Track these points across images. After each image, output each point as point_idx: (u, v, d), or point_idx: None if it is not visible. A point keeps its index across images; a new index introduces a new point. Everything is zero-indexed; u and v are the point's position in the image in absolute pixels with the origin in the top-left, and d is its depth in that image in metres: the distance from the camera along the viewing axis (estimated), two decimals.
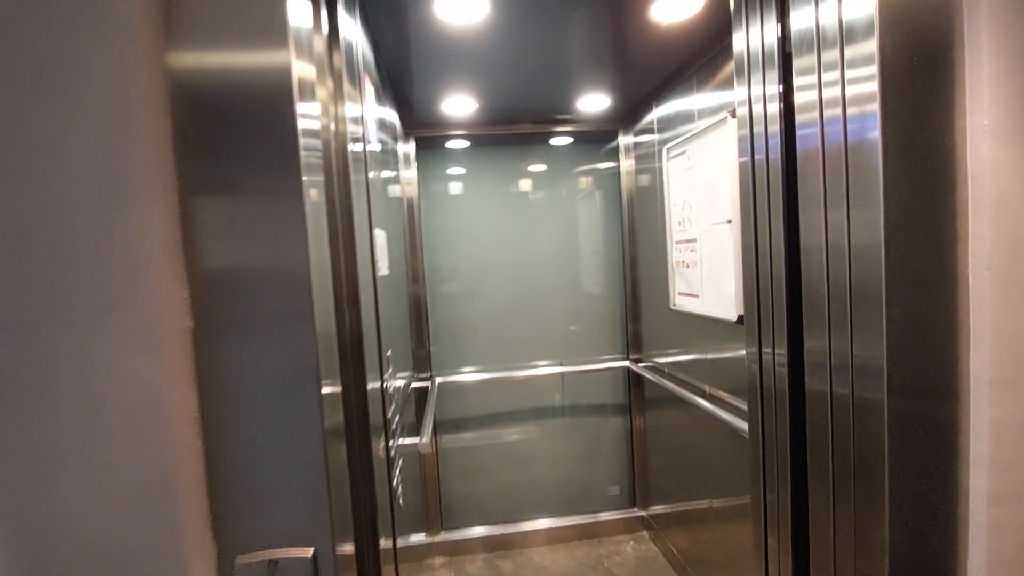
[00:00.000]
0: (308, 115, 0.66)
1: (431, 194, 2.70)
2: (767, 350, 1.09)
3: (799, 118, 0.93)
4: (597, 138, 2.75)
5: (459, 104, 2.31)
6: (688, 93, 1.99)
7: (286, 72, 0.62)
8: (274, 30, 0.61)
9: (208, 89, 0.60)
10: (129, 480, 0.57)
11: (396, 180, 2.17)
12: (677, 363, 2.26)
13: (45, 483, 0.56)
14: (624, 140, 2.69)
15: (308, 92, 0.67)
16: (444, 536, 2.67)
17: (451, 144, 2.69)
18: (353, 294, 0.93)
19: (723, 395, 1.85)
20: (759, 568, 1.17)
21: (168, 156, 0.59)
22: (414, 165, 2.61)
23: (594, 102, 2.41)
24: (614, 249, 2.78)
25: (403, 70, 1.89)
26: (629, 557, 2.52)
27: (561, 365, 2.76)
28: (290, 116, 0.62)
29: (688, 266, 2.00)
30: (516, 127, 2.62)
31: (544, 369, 2.75)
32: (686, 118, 2.01)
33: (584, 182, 2.79)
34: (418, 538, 2.55)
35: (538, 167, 2.76)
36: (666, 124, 2.21)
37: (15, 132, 0.55)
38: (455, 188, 2.74)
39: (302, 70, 0.65)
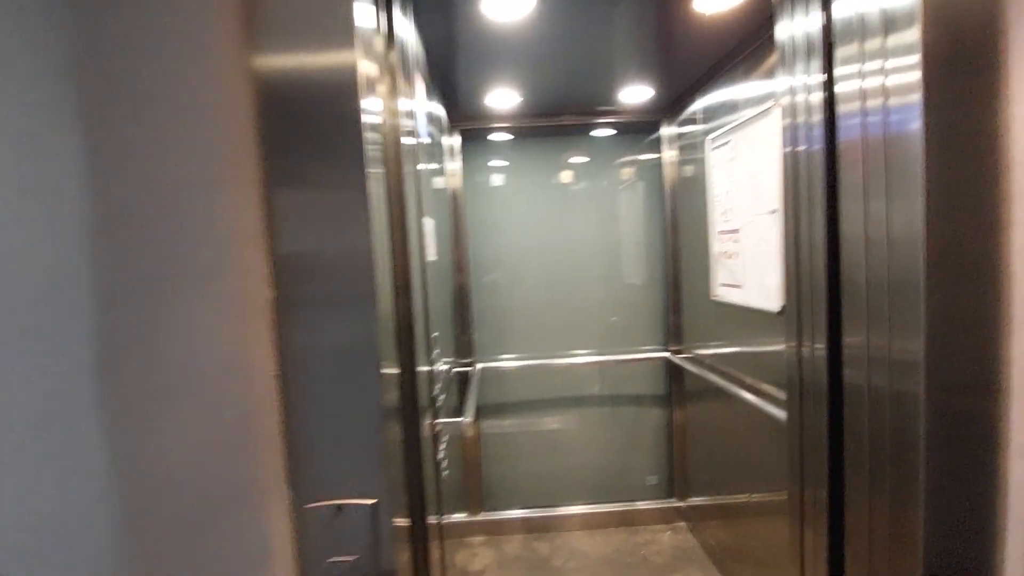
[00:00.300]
0: (370, 111, 0.73)
1: (475, 185, 2.77)
2: (806, 342, 1.10)
3: (841, 108, 0.93)
4: (639, 129, 2.75)
5: (503, 97, 2.37)
6: (732, 83, 1.98)
7: (352, 71, 0.68)
8: (342, 31, 0.68)
9: (285, 90, 0.68)
10: (220, 429, 0.66)
11: (442, 172, 2.25)
12: (718, 354, 2.25)
13: (152, 428, 0.66)
14: (666, 131, 2.68)
15: (370, 89, 0.74)
16: (483, 516, 2.77)
17: (494, 136, 2.75)
18: (405, 279, 1.01)
19: (765, 387, 1.85)
20: (796, 563, 1.18)
21: (253, 151, 0.67)
22: (459, 157, 2.68)
23: (637, 93, 2.41)
24: (655, 240, 2.78)
25: (450, 65, 1.96)
26: (666, 546, 2.55)
27: (600, 355, 2.79)
28: (355, 112, 0.68)
29: (731, 257, 2.00)
30: (558, 119, 2.66)
31: (583, 358, 2.79)
32: (730, 108, 2.00)
33: (625, 173, 2.80)
34: (459, 516, 2.66)
35: (580, 158, 2.79)
36: (709, 114, 2.20)
37: (132, 133, 0.64)
38: (498, 180, 2.80)
39: (365, 68, 0.71)
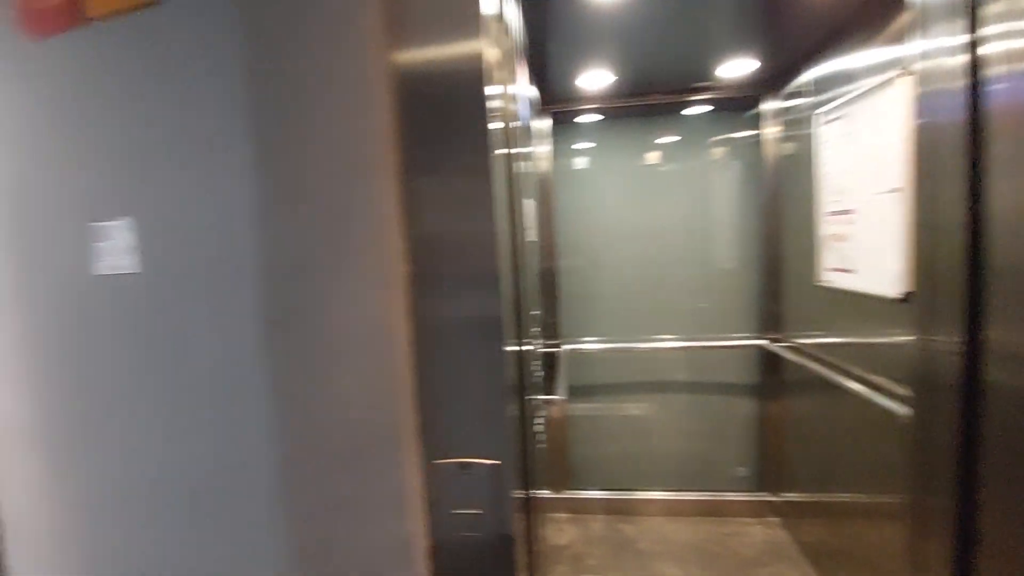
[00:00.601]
0: (493, 97, 0.77)
1: (563, 167, 2.78)
2: (938, 333, 1.01)
3: (987, 72, 0.85)
4: (735, 105, 2.62)
5: (594, 78, 2.34)
6: (848, 51, 1.83)
7: (478, 59, 0.72)
8: (470, 21, 0.72)
9: (419, 82, 0.73)
10: (364, 386, 0.74)
11: (534, 154, 2.28)
12: (823, 343, 2.13)
13: (309, 383, 0.75)
14: (768, 106, 2.53)
15: (492, 76, 0.78)
16: (568, 494, 2.82)
17: (584, 118, 2.73)
18: (515, 259, 1.05)
19: (878, 380, 1.73)
20: (913, 572, 1.10)
21: (392, 140, 0.73)
22: (549, 139, 2.70)
23: (737, 67, 2.29)
24: (749, 222, 2.65)
25: (544, 47, 1.97)
26: (757, 540, 2.47)
27: (689, 340, 2.73)
28: (481, 99, 0.73)
29: (842, 239, 1.87)
30: (648, 98, 2.59)
31: (671, 343, 2.74)
32: (845, 79, 1.85)
33: (719, 152, 2.68)
34: (544, 492, 2.73)
35: (670, 138, 2.71)
36: (820, 87, 2.05)
37: (293, 125, 0.72)
38: (586, 161, 2.78)
39: (489, 55, 0.75)
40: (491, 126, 0.73)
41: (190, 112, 0.77)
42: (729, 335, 2.71)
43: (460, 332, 0.74)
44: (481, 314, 0.74)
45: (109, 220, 0.85)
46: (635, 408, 2.83)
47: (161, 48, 0.78)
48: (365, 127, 0.73)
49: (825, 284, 2.02)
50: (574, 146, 2.78)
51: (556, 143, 2.75)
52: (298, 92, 0.73)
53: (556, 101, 2.63)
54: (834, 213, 1.92)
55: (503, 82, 0.97)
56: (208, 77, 0.75)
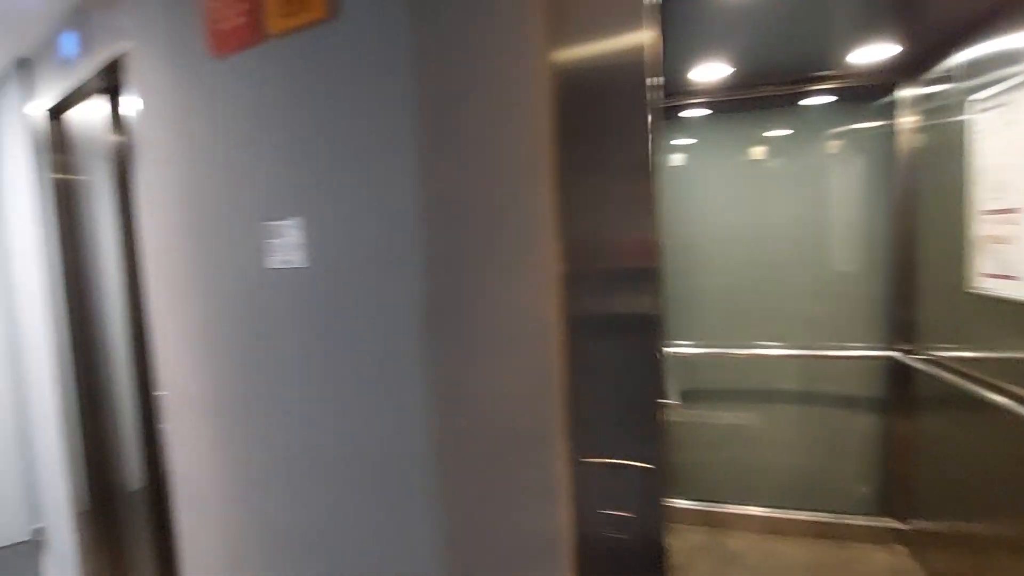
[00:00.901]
0: (652, 88, 0.75)
1: (667, 163, 2.69)
2: None
3: None
4: (863, 95, 2.40)
5: (708, 70, 2.25)
6: (1013, 29, 1.61)
7: (640, 51, 0.71)
8: (634, 10, 0.71)
9: (578, 78, 0.73)
10: (516, 382, 0.76)
11: None
12: (975, 357, 1.90)
13: (464, 376, 0.77)
14: (905, 93, 2.29)
15: (652, 67, 0.76)
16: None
17: (691, 112, 2.63)
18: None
19: None
20: None
21: (550, 139, 0.74)
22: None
23: (869, 53, 2.10)
24: (876, 221, 2.41)
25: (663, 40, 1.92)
26: (881, 568, 2.25)
27: (802, 348, 2.54)
28: (642, 92, 0.71)
29: (1003, 242, 1.65)
30: (763, 89, 2.44)
31: (782, 350, 2.56)
32: (1009, 60, 1.63)
33: (840, 145, 2.47)
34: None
35: (784, 131, 2.54)
36: (976, 70, 1.83)
37: (456, 128, 0.75)
38: (692, 157, 2.68)
39: (651, 47, 0.73)
40: (652, 120, 0.72)
41: (359, 119, 0.82)
42: (849, 344, 2.49)
43: (615, 331, 0.74)
44: (638, 313, 0.73)
45: (281, 219, 0.93)
46: (740, 417, 2.68)
47: (333, 60, 0.84)
48: (524, 128, 0.74)
49: (979, 291, 1.80)
50: (679, 141, 2.69)
51: (664, 138, 2.67)
52: (462, 96, 0.75)
53: (667, 95, 2.55)
54: (992, 212, 1.70)
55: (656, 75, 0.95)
56: (378, 85, 0.80)
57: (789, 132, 2.53)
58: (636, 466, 0.74)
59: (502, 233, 0.75)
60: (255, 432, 1.02)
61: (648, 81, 0.72)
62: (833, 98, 2.44)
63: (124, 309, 1.68)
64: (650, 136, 0.71)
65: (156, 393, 1.62)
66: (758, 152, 2.57)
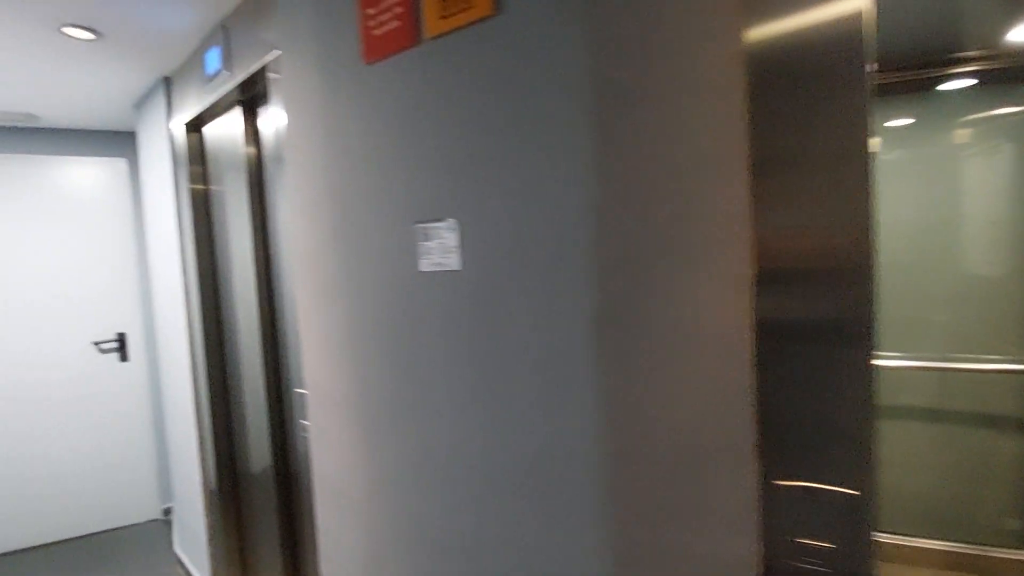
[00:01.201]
0: (868, 62, 0.67)
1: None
2: None
3: None
4: (1014, 76, 2.12)
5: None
6: None
7: (858, 19, 0.63)
8: None
9: (779, 57, 0.66)
10: (697, 391, 0.70)
11: None
12: None
13: (638, 383, 0.73)
14: None
15: (869, 39, 0.67)
16: None
17: None
18: None
19: None
20: None
21: (743, 127, 0.67)
22: None
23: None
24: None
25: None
26: None
27: (936, 360, 2.28)
28: (860, 69, 0.63)
29: None
30: (892, 75, 2.22)
31: (910, 362, 2.31)
32: None
33: (982, 133, 2.19)
34: None
35: (906, 120, 2.29)
36: None
37: (636, 119, 0.71)
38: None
39: (869, 14, 0.64)
40: (867, 100, 0.64)
41: (524, 115, 0.80)
42: (991, 356, 2.21)
43: (816, 337, 0.66)
44: (845, 317, 0.65)
45: (434, 222, 0.93)
46: (951, 437, 2.45)
47: (496, 56, 0.82)
48: (713, 116, 0.68)
49: None
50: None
51: None
52: (641, 84, 0.71)
53: None
54: None
55: (872, 48, 0.86)
56: (546, 78, 0.77)
57: (922, 119, 2.29)
58: (838, 492, 0.66)
59: (688, 229, 0.70)
60: (402, 434, 1.03)
61: (864, 55, 0.64)
62: (972, 82, 2.18)
63: (256, 310, 1.78)
64: (865, 117, 0.63)
65: (289, 388, 1.70)
66: (882, 142, 2.34)
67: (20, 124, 2.85)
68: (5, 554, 2.90)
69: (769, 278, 0.68)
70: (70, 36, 1.75)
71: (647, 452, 0.74)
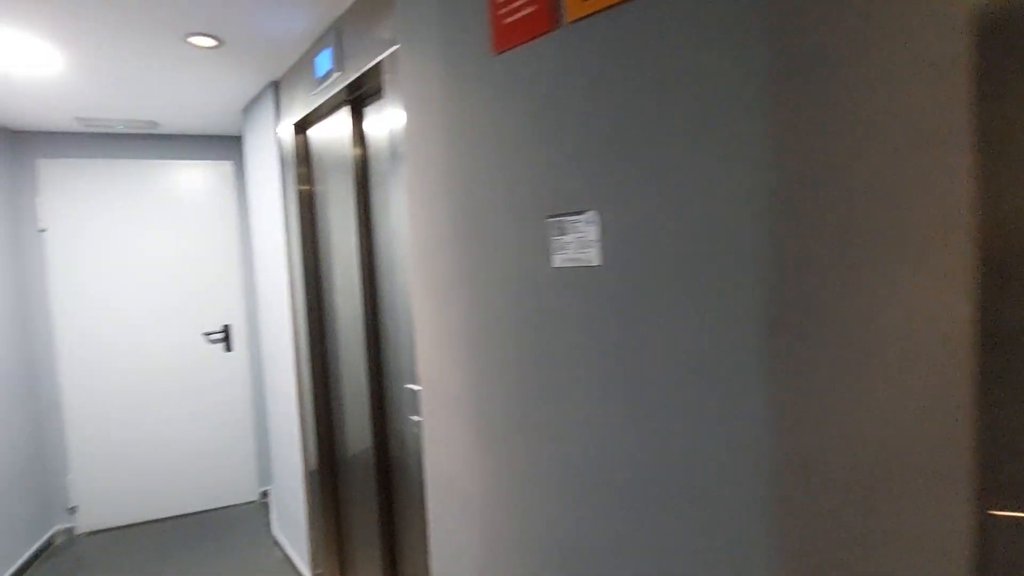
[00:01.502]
0: None
1: None
2: None
3: None
4: None
5: None
6: None
7: None
8: None
9: (1016, 20, 0.57)
10: (900, 402, 0.61)
11: None
12: None
13: (829, 391, 0.65)
14: None
15: None
16: None
17: None
18: None
19: None
20: None
21: (968, 101, 0.58)
22: None
23: None
24: None
25: None
26: None
27: None
28: None
29: None
30: None
31: None
32: None
33: None
34: None
35: None
36: None
37: (826, 94, 0.64)
38: None
39: None
40: None
41: (680, 96, 0.74)
42: None
43: None
44: None
45: (570, 215, 0.89)
46: None
47: (645, 34, 0.77)
48: (929, 88, 0.59)
49: None
50: None
51: None
52: (834, 53, 0.63)
53: None
54: None
55: None
56: (709, 53, 0.71)
57: None
58: None
59: (890, 218, 0.62)
60: (529, 433, 1.00)
61: None
62: None
63: (360, 305, 1.83)
64: None
65: (391, 381, 1.73)
66: None
67: (143, 131, 3.10)
68: (126, 526, 3.18)
69: (1004, 273, 0.58)
70: (195, 45, 1.87)
71: (831, 471, 0.66)
